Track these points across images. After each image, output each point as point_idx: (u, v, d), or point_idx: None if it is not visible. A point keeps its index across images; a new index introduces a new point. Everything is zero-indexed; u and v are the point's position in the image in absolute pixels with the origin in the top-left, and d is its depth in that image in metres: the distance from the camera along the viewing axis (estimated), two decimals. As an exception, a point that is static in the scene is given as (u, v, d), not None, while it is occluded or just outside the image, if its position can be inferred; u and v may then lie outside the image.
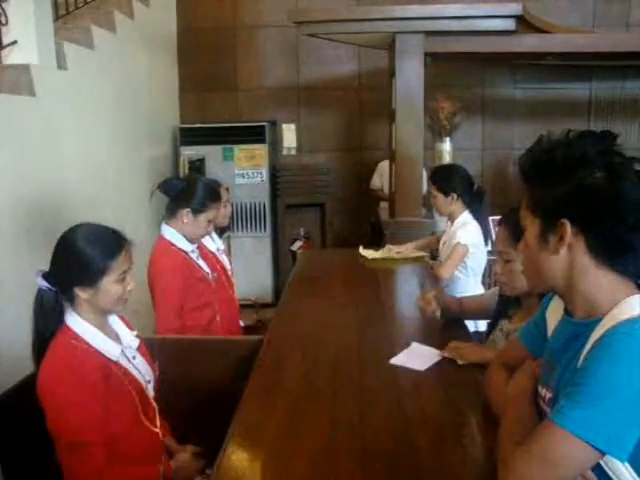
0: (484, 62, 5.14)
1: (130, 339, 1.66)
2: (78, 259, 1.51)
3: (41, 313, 1.51)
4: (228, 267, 2.85)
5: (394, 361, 1.77)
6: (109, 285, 1.53)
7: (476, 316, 2.22)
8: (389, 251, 3.21)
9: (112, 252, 1.53)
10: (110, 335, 1.60)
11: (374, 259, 3.15)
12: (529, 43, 3.96)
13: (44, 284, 1.51)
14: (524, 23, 3.83)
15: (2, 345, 2.39)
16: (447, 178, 3.01)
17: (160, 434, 1.68)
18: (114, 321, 1.66)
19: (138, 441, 1.58)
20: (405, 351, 1.83)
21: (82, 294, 1.51)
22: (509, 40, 3.89)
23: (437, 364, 1.74)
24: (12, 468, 1.54)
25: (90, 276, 1.51)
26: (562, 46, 4.02)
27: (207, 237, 2.73)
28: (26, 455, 1.59)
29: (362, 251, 3.24)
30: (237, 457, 1.33)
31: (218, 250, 2.81)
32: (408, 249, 3.21)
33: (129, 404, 1.56)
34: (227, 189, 2.99)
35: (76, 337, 1.51)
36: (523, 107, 5.31)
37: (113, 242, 1.55)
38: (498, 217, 4.18)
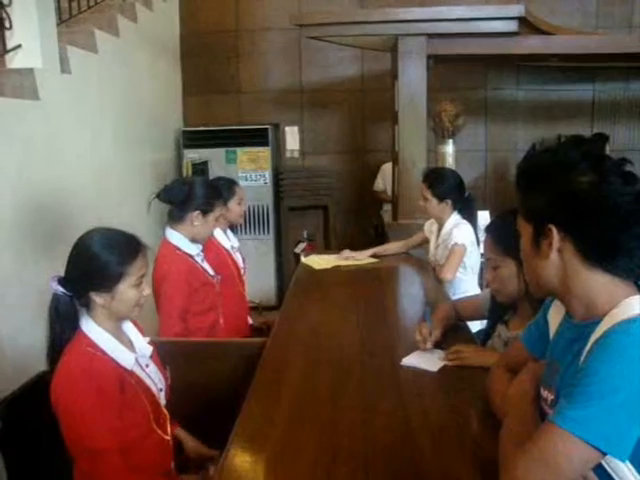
0: (487, 64, 5.14)
1: (143, 346, 1.65)
2: (94, 264, 1.50)
3: (57, 318, 1.50)
4: (241, 265, 2.86)
5: (405, 362, 1.77)
6: (125, 290, 1.52)
7: (473, 317, 2.20)
8: (344, 254, 3.16)
9: (129, 257, 1.52)
10: (124, 342, 1.59)
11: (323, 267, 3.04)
12: (532, 45, 3.96)
13: (59, 289, 1.50)
14: (527, 25, 3.83)
15: (8, 348, 2.40)
16: (443, 183, 3.00)
17: (171, 442, 1.67)
18: (128, 328, 1.65)
19: (150, 449, 1.58)
20: (415, 352, 1.83)
21: (98, 299, 1.51)
22: (512, 42, 3.89)
23: (447, 365, 1.74)
24: (16, 467, 1.55)
25: (106, 281, 1.50)
26: (565, 48, 4.02)
27: (222, 234, 2.76)
28: (30, 455, 1.60)
29: (304, 260, 3.13)
30: (240, 459, 1.33)
31: (232, 248, 2.83)
32: (364, 255, 3.17)
33: (142, 413, 1.56)
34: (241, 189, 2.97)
35: (92, 345, 1.50)
36: (526, 109, 5.30)
37: (129, 247, 1.54)
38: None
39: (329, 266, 3.06)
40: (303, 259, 3.13)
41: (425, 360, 1.77)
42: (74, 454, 1.48)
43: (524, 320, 1.58)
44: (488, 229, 1.82)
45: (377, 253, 3.23)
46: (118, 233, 1.57)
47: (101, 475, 1.46)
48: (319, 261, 3.13)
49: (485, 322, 2.45)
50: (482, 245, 3.03)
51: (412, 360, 1.78)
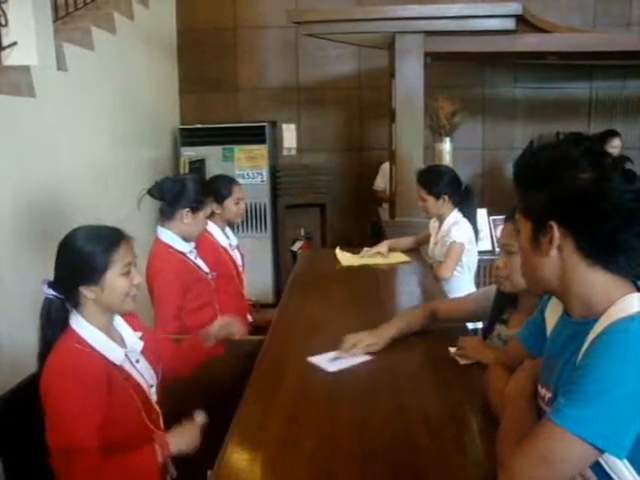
0: (484, 62, 5.14)
1: (134, 342, 1.64)
2: (79, 258, 1.51)
3: (48, 321, 1.52)
4: (239, 263, 2.86)
5: (311, 359, 1.77)
6: (114, 280, 1.53)
7: (451, 320, 2.06)
8: (367, 252, 3.15)
9: (112, 245, 1.54)
10: (115, 338, 1.59)
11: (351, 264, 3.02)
12: (529, 43, 3.96)
13: (50, 292, 1.51)
14: (524, 22, 3.83)
15: (5, 347, 2.39)
16: (436, 181, 3.00)
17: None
18: (119, 323, 1.65)
19: (142, 446, 1.57)
20: (330, 353, 1.80)
21: (88, 293, 1.51)
22: (509, 40, 3.89)
23: (353, 368, 1.72)
24: (14, 467, 1.55)
25: (93, 273, 1.51)
26: (562, 45, 4.02)
27: (219, 232, 2.75)
28: (27, 455, 1.59)
29: (338, 254, 3.13)
30: (237, 457, 1.33)
31: (230, 246, 2.82)
32: (383, 247, 3.16)
33: (132, 409, 1.56)
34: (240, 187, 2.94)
35: (80, 341, 1.51)
36: (523, 107, 5.30)
37: (112, 236, 1.56)
38: (498, 217, 4.20)
39: (356, 264, 3.01)
40: (338, 253, 3.11)
41: (329, 360, 1.75)
42: (54, 451, 1.47)
43: (526, 316, 1.57)
44: (512, 216, 1.78)
45: (390, 246, 3.21)
46: (100, 227, 1.59)
47: (80, 473, 1.45)
48: (350, 258, 3.10)
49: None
50: (479, 241, 3.05)
51: (318, 358, 1.77)
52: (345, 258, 3.11)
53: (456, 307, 2.09)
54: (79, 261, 1.51)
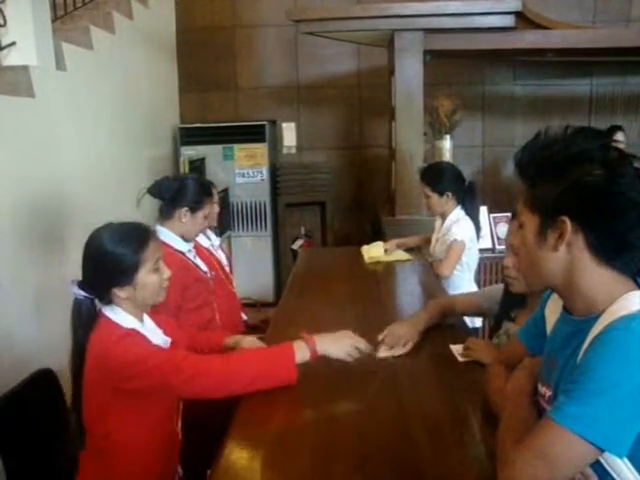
0: (484, 59, 5.12)
1: (163, 338, 1.65)
2: (110, 260, 1.51)
3: (79, 322, 1.53)
4: (225, 262, 2.85)
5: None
6: (146, 278, 1.54)
7: (465, 313, 2.18)
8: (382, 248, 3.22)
9: (141, 244, 1.54)
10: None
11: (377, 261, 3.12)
12: (529, 39, 3.95)
13: (81, 293, 1.51)
14: (523, 19, 3.83)
15: (4, 346, 2.39)
16: (440, 177, 3.01)
17: (180, 435, 1.68)
18: (147, 322, 1.66)
19: (159, 438, 1.59)
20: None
21: (122, 293, 1.53)
22: (508, 37, 3.89)
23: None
24: (14, 467, 1.55)
25: (126, 274, 1.52)
26: (562, 42, 4.01)
27: (200, 234, 2.74)
28: (28, 454, 1.60)
29: (364, 249, 3.21)
30: (236, 456, 1.33)
31: (213, 246, 2.81)
32: (392, 246, 3.21)
33: (166, 400, 1.59)
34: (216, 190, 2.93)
35: (121, 327, 1.52)
36: (523, 104, 5.29)
37: (139, 235, 1.57)
38: (498, 214, 4.19)
39: (373, 261, 3.10)
40: (364, 247, 3.23)
41: None
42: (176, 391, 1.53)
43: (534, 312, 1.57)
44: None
45: (398, 244, 3.25)
46: (124, 225, 1.58)
47: (207, 375, 1.52)
48: (375, 251, 3.18)
49: (477, 320, 2.43)
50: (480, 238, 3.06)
51: None
52: (372, 254, 3.16)
53: (470, 302, 2.13)
54: (110, 264, 1.51)
